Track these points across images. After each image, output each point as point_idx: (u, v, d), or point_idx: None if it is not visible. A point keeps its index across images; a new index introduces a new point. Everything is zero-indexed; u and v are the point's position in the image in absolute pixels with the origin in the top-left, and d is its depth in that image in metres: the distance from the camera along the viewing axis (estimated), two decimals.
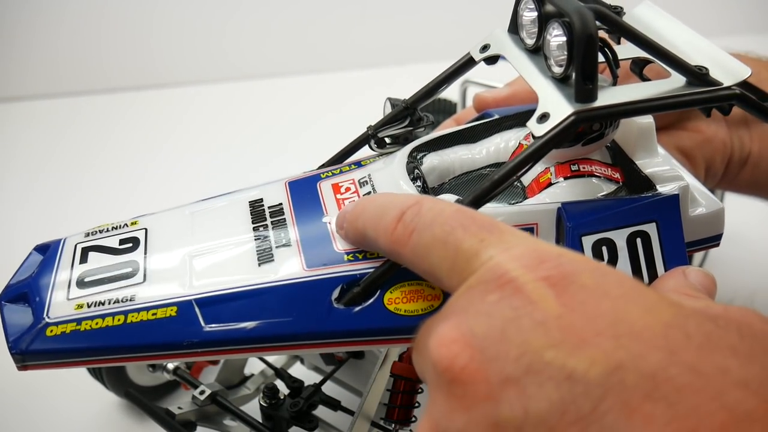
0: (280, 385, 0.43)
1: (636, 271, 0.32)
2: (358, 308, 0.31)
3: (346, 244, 0.33)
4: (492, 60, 0.37)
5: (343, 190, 0.37)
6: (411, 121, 0.39)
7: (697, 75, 0.31)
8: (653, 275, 0.32)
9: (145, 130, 0.93)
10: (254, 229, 0.35)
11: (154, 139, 0.91)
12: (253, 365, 0.48)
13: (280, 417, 0.40)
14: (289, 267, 0.32)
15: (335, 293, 0.32)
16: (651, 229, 0.33)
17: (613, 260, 0.32)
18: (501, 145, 0.39)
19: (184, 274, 0.33)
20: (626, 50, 0.35)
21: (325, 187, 0.37)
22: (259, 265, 0.33)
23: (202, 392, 0.43)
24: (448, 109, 0.70)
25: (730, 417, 0.18)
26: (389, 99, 0.40)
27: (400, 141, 0.39)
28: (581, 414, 0.20)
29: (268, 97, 1.00)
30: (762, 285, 0.60)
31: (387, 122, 0.39)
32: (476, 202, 0.30)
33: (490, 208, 0.33)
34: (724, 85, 0.31)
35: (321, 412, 0.42)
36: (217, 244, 0.34)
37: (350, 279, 0.32)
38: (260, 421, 0.41)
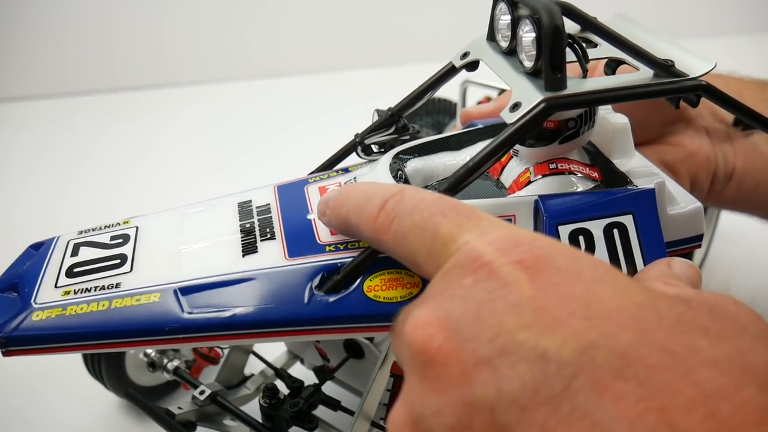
0: (280, 385, 0.43)
1: (614, 260, 0.33)
2: (337, 295, 0.32)
3: (328, 236, 0.34)
4: (472, 66, 0.38)
5: (329, 191, 0.38)
6: (396, 128, 0.40)
7: (663, 67, 0.32)
8: (631, 265, 0.33)
9: (142, 131, 0.94)
10: (241, 225, 0.36)
11: (151, 140, 0.92)
12: (253, 365, 0.48)
13: (280, 417, 0.40)
14: (272, 257, 0.33)
15: (316, 281, 0.32)
16: (628, 220, 0.33)
17: (590, 249, 0.32)
18: None
19: (171, 264, 0.34)
20: (599, 52, 0.37)
21: (312, 190, 0.38)
22: (243, 256, 0.34)
23: (202, 392, 0.43)
24: (448, 109, 0.71)
25: (699, 394, 0.18)
26: (377, 110, 0.41)
27: (386, 148, 0.40)
28: (553, 393, 0.20)
29: (265, 98, 1.02)
30: (762, 285, 0.60)
31: (373, 130, 0.40)
32: (452, 189, 0.31)
33: (470, 201, 0.33)
34: (690, 77, 0.32)
35: (321, 412, 0.42)
36: (204, 239, 0.35)
37: (331, 267, 0.33)
38: (260, 421, 0.41)
